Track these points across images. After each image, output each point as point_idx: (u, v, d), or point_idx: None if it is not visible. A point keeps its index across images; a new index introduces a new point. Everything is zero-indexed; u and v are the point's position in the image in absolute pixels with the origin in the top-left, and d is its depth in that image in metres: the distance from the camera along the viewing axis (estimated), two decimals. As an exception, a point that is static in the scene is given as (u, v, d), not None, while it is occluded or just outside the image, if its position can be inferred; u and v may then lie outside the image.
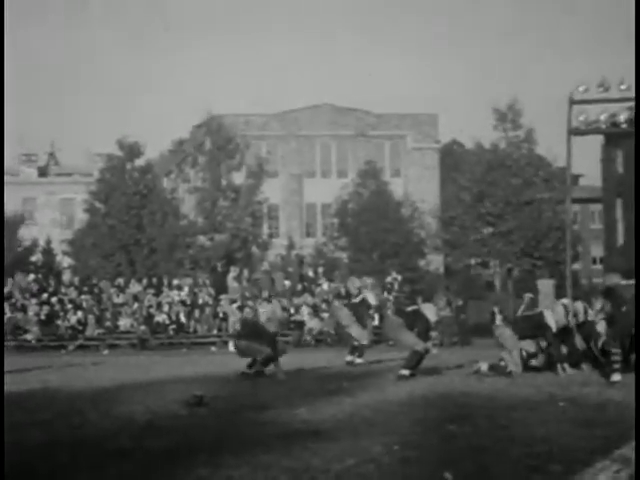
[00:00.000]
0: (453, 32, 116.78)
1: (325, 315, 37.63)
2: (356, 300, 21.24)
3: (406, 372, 15.24)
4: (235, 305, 38.55)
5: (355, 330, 20.50)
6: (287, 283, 41.34)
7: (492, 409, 10.08)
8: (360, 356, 20.26)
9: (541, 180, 47.38)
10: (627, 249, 44.92)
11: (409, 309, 17.25)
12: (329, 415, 9.86)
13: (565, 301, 17.60)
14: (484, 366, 15.69)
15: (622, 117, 32.39)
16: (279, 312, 27.07)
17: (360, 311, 20.87)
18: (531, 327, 16.13)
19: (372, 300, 21.62)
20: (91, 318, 38.11)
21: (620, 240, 52.05)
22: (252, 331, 17.02)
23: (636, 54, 17.13)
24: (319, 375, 16.47)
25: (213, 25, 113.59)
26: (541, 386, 12.74)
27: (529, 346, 15.97)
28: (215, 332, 38.15)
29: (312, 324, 37.51)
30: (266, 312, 19.66)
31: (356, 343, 20.44)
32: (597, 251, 67.08)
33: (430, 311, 16.28)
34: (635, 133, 32.25)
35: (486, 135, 48.76)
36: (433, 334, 17.49)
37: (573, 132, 32.96)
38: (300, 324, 37.59)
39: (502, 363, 15.74)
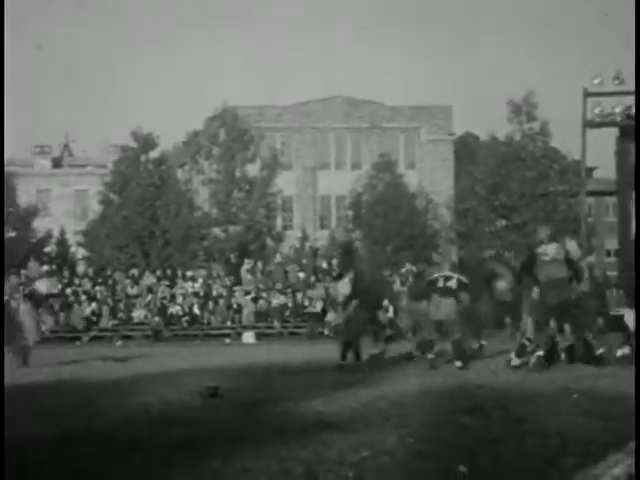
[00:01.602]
0: (468, 25, 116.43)
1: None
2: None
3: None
4: (249, 297, 38.61)
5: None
6: (301, 275, 41.36)
7: (506, 402, 10.06)
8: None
9: (556, 173, 47.28)
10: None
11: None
12: (344, 407, 9.86)
13: None
14: (515, 361, 15.28)
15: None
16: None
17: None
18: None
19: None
20: (105, 309, 38.25)
21: (634, 233, 51.75)
22: None
23: (636, 50, 17.11)
24: (334, 367, 16.45)
25: (227, 18, 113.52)
26: (555, 379, 12.71)
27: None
28: (229, 324, 38.21)
29: (329, 317, 37.45)
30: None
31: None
32: (611, 244, 66.82)
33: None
34: (635, 127, 32.11)
35: (501, 127, 48.69)
36: None
37: (588, 124, 32.93)
38: (314, 316, 37.61)
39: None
